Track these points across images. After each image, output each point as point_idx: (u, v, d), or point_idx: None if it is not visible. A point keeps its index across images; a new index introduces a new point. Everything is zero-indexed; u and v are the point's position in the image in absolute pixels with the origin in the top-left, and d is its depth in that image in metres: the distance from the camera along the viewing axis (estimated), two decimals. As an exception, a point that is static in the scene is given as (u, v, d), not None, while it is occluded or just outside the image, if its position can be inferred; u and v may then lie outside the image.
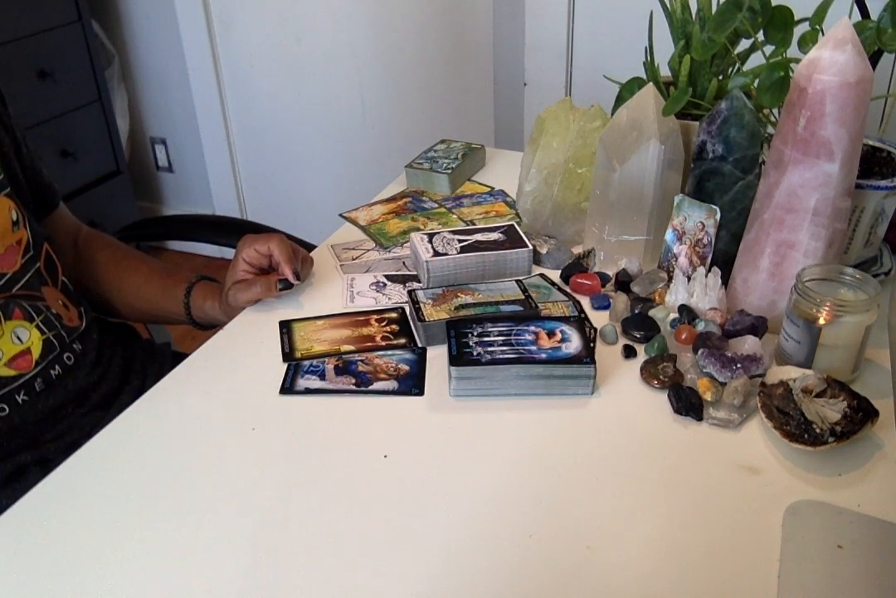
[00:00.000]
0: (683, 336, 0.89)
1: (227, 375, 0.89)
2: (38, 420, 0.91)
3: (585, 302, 0.98)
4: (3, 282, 0.90)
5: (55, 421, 0.93)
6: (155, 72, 2.49)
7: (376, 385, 0.86)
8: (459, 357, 0.83)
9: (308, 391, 0.85)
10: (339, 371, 0.88)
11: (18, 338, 0.89)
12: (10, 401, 0.88)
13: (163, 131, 2.60)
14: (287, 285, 0.95)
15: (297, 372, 0.88)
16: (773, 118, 0.96)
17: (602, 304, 0.98)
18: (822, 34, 0.89)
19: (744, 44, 0.99)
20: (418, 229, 1.14)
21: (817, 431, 0.74)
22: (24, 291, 0.91)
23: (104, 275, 1.10)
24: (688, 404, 0.80)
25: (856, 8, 0.93)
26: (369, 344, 0.92)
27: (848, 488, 0.72)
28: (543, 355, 0.83)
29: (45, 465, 0.89)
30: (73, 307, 0.99)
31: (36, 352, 0.90)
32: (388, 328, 0.94)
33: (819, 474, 0.74)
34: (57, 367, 0.93)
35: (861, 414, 0.75)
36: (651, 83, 0.99)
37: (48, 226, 1.05)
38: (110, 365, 1.01)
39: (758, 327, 0.88)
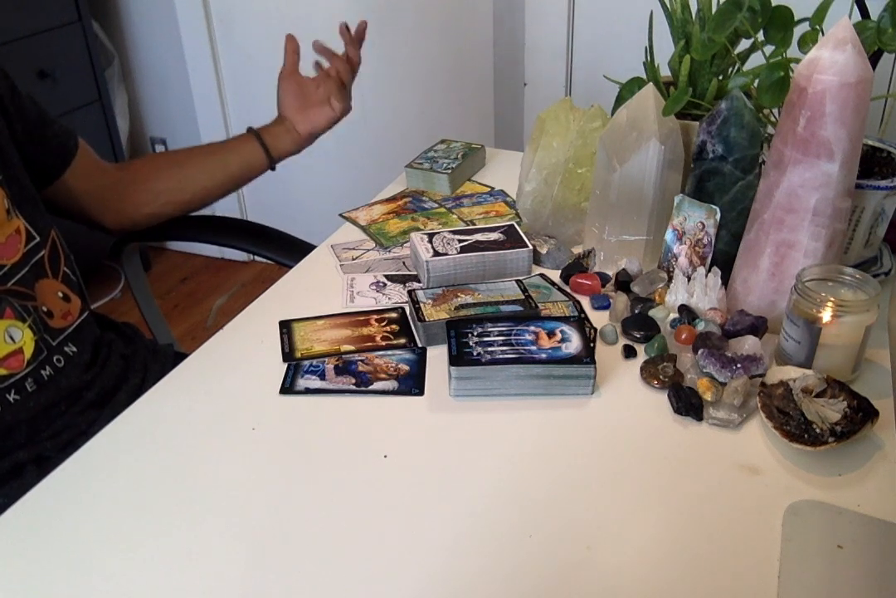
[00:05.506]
0: (683, 336, 0.89)
1: (227, 375, 0.89)
2: (32, 418, 0.91)
3: (585, 302, 0.98)
4: (1, 274, 0.89)
5: (50, 420, 0.93)
6: (155, 72, 2.49)
7: (376, 385, 0.86)
8: (459, 357, 0.83)
9: (308, 391, 0.85)
10: (339, 371, 0.88)
11: (11, 337, 0.88)
12: (2, 400, 0.88)
13: (163, 131, 2.60)
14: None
15: (297, 372, 0.88)
16: (773, 118, 0.96)
17: (602, 304, 0.98)
18: (822, 34, 0.89)
19: (744, 44, 0.99)
20: (418, 229, 1.14)
21: (817, 431, 0.74)
22: (18, 286, 0.90)
23: (166, 165, 1.20)
24: (688, 404, 0.80)
25: (856, 8, 0.93)
26: (369, 344, 0.92)
27: (848, 488, 0.72)
28: (543, 355, 0.83)
29: (42, 463, 0.89)
30: (74, 297, 0.98)
31: (28, 352, 0.90)
32: (388, 328, 0.94)
33: (819, 474, 0.74)
34: (48, 367, 0.92)
35: (861, 414, 0.75)
36: (651, 83, 0.99)
37: (76, 172, 1.09)
38: (106, 364, 1.01)
39: (758, 327, 0.88)
